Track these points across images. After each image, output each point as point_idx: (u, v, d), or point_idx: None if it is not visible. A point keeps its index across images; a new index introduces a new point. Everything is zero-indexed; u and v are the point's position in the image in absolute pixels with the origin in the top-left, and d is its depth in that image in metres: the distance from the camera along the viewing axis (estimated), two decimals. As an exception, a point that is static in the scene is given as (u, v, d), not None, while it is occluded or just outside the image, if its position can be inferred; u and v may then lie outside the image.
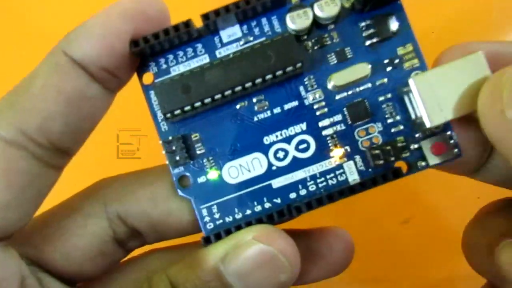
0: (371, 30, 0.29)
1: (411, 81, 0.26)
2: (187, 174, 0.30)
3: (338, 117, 0.29)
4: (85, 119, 0.25)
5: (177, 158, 0.29)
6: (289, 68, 0.28)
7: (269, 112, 0.30)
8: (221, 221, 0.29)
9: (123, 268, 0.30)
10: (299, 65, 0.28)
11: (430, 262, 0.44)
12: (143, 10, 0.26)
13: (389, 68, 0.29)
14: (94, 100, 0.26)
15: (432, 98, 0.25)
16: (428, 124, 0.26)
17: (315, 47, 0.30)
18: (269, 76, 0.28)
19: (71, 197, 0.29)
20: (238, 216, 0.29)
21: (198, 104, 0.28)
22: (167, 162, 0.29)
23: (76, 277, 0.27)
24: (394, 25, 0.29)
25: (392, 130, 0.29)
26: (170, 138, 0.29)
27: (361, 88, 0.29)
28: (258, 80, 0.28)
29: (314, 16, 0.28)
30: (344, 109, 0.29)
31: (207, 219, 0.30)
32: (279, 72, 0.28)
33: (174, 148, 0.29)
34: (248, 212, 0.29)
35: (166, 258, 0.30)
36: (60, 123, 0.24)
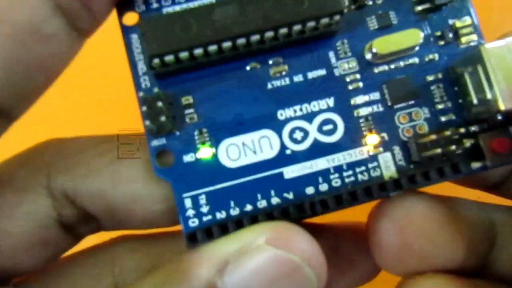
0: (422, -5, 0.23)
1: (483, 49, 0.20)
2: (170, 148, 0.22)
3: (375, 95, 0.23)
4: (37, 67, 0.19)
5: (159, 124, 0.21)
6: (324, 21, 0.21)
7: (287, 80, 0.23)
8: (209, 217, 0.21)
9: (78, 260, 0.24)
10: (337, 18, 0.21)
11: None
12: None
13: (441, 42, 0.23)
14: (54, 41, 0.19)
15: (508, 74, 0.20)
16: (502, 107, 0.20)
17: (352, 7, 0.23)
18: (297, 27, 0.21)
19: (3, 162, 0.23)
20: (234, 212, 0.21)
21: (199, 51, 0.21)
22: (147, 123, 0.21)
23: (6, 272, 0.21)
24: (449, -9, 0.23)
25: (442, 119, 0.23)
26: (155, 92, 0.21)
27: (406, 62, 0.23)
28: (283, 31, 0.21)
29: (357, -35, 0.22)
30: (384, 86, 0.23)
31: (190, 212, 0.21)
32: (310, 24, 0.21)
33: (156, 110, 0.21)
34: (249, 208, 0.22)
35: (139, 251, 0.24)
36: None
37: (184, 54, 0.20)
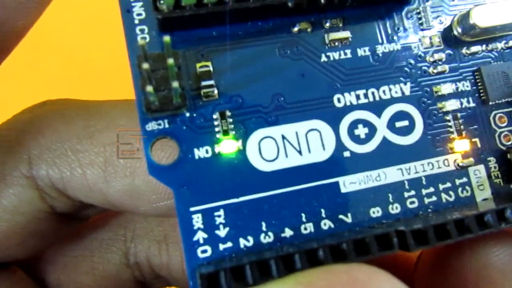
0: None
1: None
2: (175, 136, 0.14)
3: (466, 86, 0.17)
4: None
5: (165, 93, 0.13)
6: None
7: (349, 52, 0.16)
8: (229, 244, 0.14)
9: (90, 223, 0.22)
10: (432, -32, 0.15)
11: None
12: None
13: (552, 22, 0.17)
14: None
15: None
16: None
17: (437, -38, 0.17)
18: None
19: None
20: (267, 239, 0.14)
21: (233, -10, 0.13)
22: (149, 88, 0.13)
23: (3, 261, 0.19)
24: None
25: (553, 124, 0.17)
26: (159, 51, 0.14)
27: (508, 45, 0.17)
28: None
29: None
30: (477, 74, 0.17)
31: (200, 236, 0.14)
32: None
33: (164, 71, 0.13)
34: (288, 233, 0.14)
35: (152, 218, 0.22)
36: None
37: (206, -7, 0.13)
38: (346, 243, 0.12)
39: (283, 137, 0.15)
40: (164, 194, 0.17)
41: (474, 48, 0.17)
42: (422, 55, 0.17)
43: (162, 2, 0.13)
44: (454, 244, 0.15)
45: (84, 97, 0.20)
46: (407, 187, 0.16)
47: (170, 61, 0.13)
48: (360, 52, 0.16)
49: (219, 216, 0.14)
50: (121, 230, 0.22)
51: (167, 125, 0.15)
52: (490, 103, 0.17)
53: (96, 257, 0.21)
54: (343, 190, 0.15)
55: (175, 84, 0.13)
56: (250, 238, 0.14)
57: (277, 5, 0.15)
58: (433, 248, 0.15)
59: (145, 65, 0.12)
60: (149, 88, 0.13)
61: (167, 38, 0.13)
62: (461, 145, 0.16)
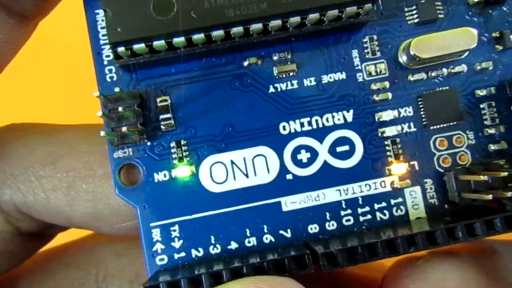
0: (481, -18, 0.18)
1: None
2: (137, 163, 0.17)
3: (408, 111, 0.18)
4: None
5: (125, 129, 0.16)
6: (351, 9, 0.16)
7: (295, 83, 0.18)
8: (182, 254, 0.17)
9: (63, 259, 0.22)
10: (368, 6, 0.16)
11: None
12: None
13: (498, 47, 0.18)
14: None
15: None
16: None
17: (387, -8, 0.18)
18: (313, 16, 0.16)
19: None
20: (215, 250, 0.17)
21: (179, 40, 0.15)
22: (102, 133, 0.15)
23: None
24: (516, -20, 0.18)
25: (491, 147, 0.18)
26: (118, 90, 0.16)
27: (452, 70, 0.18)
28: (294, 19, 0.16)
29: None
30: (419, 99, 0.18)
31: (158, 247, 0.17)
32: (331, 12, 0.16)
33: (122, 110, 0.16)
34: (234, 245, 0.17)
35: (125, 256, 0.22)
36: None
37: (159, 43, 0.15)
38: (267, 263, 0.15)
39: (232, 162, 0.17)
40: (125, 216, 0.19)
41: (419, 75, 0.18)
42: (367, 83, 0.18)
43: (120, 52, 0.16)
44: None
45: (49, 120, 0.21)
46: (344, 206, 0.17)
47: (120, 108, 0.15)
48: (306, 82, 0.18)
49: (174, 230, 0.17)
50: (93, 269, 0.22)
51: (131, 153, 0.17)
52: (431, 127, 0.18)
53: None
54: (284, 208, 0.17)
55: (124, 129, 0.15)
56: (200, 249, 0.17)
57: (223, 48, 0.16)
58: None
59: (101, 113, 0.15)
60: (103, 133, 0.15)
61: (117, 89, 0.15)
62: (398, 168, 0.17)
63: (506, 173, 0.16)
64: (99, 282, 0.22)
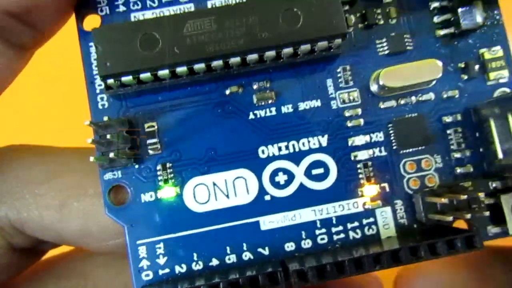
0: (447, 16, 0.19)
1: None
2: (126, 184, 0.18)
3: (379, 136, 0.19)
4: None
5: (113, 155, 0.17)
6: (322, 44, 0.17)
7: (274, 110, 0.19)
8: (167, 270, 0.18)
9: (53, 271, 0.23)
10: (338, 41, 0.17)
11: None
12: None
13: (464, 76, 0.19)
14: None
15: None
16: (536, 170, 0.15)
17: (360, 25, 0.19)
18: (287, 50, 0.17)
19: None
20: (197, 266, 0.18)
21: (164, 72, 0.17)
22: (92, 159, 0.17)
23: None
24: (480, 15, 0.19)
25: (458, 171, 0.19)
26: (107, 119, 0.17)
27: (420, 98, 0.19)
28: (269, 53, 0.17)
29: (370, -25, 0.18)
30: (390, 125, 0.19)
31: (144, 263, 0.18)
32: (304, 47, 0.17)
33: (110, 137, 0.17)
34: (215, 262, 0.18)
35: (112, 268, 0.22)
36: None
37: (145, 75, 0.17)
38: (242, 279, 0.16)
39: (214, 184, 0.19)
40: (113, 234, 0.20)
41: (389, 103, 0.19)
42: (340, 110, 0.19)
43: (109, 83, 0.17)
44: None
45: (46, 142, 0.22)
46: (318, 225, 0.18)
47: (109, 136, 0.16)
48: (284, 109, 0.19)
49: (159, 247, 0.18)
50: (82, 280, 0.22)
51: (120, 175, 0.18)
52: (401, 152, 0.19)
53: None
54: (263, 228, 0.18)
55: (111, 154, 0.16)
56: (183, 265, 0.18)
57: (212, 76, 0.18)
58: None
59: (90, 140, 0.16)
60: (92, 159, 0.16)
61: (106, 118, 0.16)
62: (370, 190, 0.19)
63: (465, 196, 0.17)
64: None
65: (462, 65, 0.19)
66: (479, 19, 0.19)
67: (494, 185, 0.19)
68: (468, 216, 0.17)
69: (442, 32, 0.19)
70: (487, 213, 0.17)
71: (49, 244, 0.23)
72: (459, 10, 0.19)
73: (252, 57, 0.17)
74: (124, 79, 0.17)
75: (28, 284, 0.23)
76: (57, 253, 0.25)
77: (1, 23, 0.17)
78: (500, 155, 0.18)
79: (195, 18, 0.17)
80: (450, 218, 0.16)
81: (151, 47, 0.16)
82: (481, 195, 0.17)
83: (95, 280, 0.23)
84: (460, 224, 0.19)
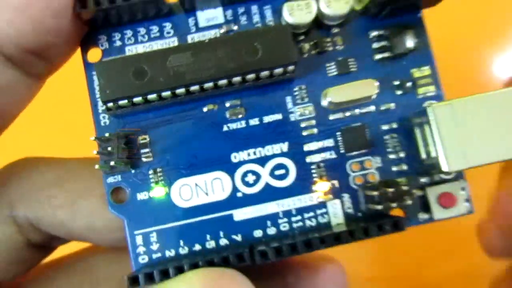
0: (383, 43, 0.23)
1: (429, 110, 0.20)
2: (124, 186, 0.23)
3: (329, 142, 0.23)
4: None
5: (113, 163, 0.21)
6: (278, 70, 0.21)
7: (243, 123, 0.23)
8: (159, 254, 0.22)
9: (60, 268, 0.26)
10: (291, 68, 0.22)
11: (428, 261, 0.43)
12: None
13: (398, 92, 0.24)
14: (9, 90, 0.21)
15: (453, 136, 0.20)
16: (445, 168, 0.20)
17: (313, 52, 0.24)
18: (250, 76, 0.21)
19: None
20: (184, 251, 0.22)
21: (152, 96, 0.21)
22: (97, 167, 0.21)
23: None
24: (411, 40, 0.23)
25: (393, 169, 0.23)
26: (108, 135, 0.22)
27: (362, 110, 0.23)
28: (236, 79, 0.21)
29: (318, 12, 0.23)
30: (338, 133, 0.23)
31: (141, 249, 0.22)
32: (264, 73, 0.21)
33: (111, 149, 0.21)
34: (198, 247, 0.22)
35: (114, 262, 0.26)
36: None
37: (137, 99, 0.21)
38: (216, 258, 0.20)
39: (196, 184, 0.23)
40: (114, 229, 0.23)
41: (337, 115, 0.23)
42: (298, 122, 0.23)
43: (109, 106, 0.21)
44: None
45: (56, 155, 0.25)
46: (281, 216, 0.23)
47: (110, 148, 0.21)
48: (251, 122, 0.23)
49: (152, 236, 0.22)
50: (88, 275, 0.26)
51: (120, 179, 0.23)
52: (347, 154, 0.23)
53: None
54: (236, 219, 0.23)
55: (112, 163, 0.21)
56: (172, 250, 0.22)
57: (187, 99, 0.22)
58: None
59: (96, 151, 0.21)
60: (97, 166, 0.21)
61: (107, 134, 0.21)
62: (322, 186, 0.23)
63: (393, 189, 0.21)
64: (93, 285, 0.26)
65: (397, 82, 0.23)
66: (410, 44, 0.23)
67: (423, 180, 0.23)
68: (394, 205, 0.21)
69: (380, 56, 0.23)
70: (409, 202, 0.21)
71: (60, 240, 0.26)
72: (393, 38, 0.23)
73: (223, 82, 0.21)
74: (121, 102, 0.21)
75: (40, 279, 0.26)
76: (65, 251, 0.28)
77: (22, 58, 0.20)
78: (423, 156, 0.22)
79: (176, 53, 0.21)
80: (380, 207, 0.21)
81: (142, 77, 0.21)
82: (405, 188, 0.21)
83: (99, 274, 0.26)
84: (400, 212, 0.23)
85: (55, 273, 0.26)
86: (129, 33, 0.23)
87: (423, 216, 0.23)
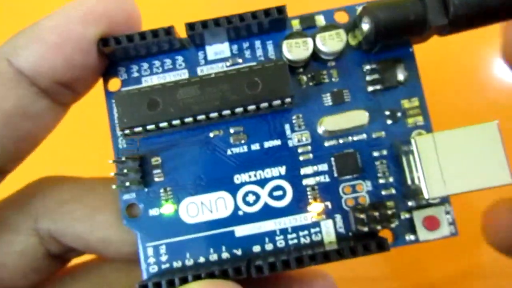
0: (376, 76, 0.25)
1: (413, 141, 0.22)
2: (138, 202, 0.25)
3: (324, 167, 0.25)
4: (25, 140, 0.23)
5: (128, 184, 0.24)
6: (276, 102, 0.24)
7: (245, 147, 0.25)
8: (167, 265, 0.25)
9: (76, 276, 0.28)
10: (288, 100, 0.24)
11: (429, 261, 0.44)
12: (110, 13, 0.23)
13: (389, 121, 0.25)
14: (40, 118, 0.23)
15: (435, 166, 0.22)
16: (426, 195, 0.22)
17: (310, 83, 0.26)
18: (251, 107, 0.24)
19: None
20: (189, 262, 0.25)
21: (164, 124, 0.24)
22: (114, 187, 0.24)
23: None
24: (401, 74, 0.25)
25: (383, 193, 0.25)
26: (124, 158, 0.24)
27: (355, 138, 0.25)
28: (239, 110, 0.24)
29: (315, 48, 0.25)
30: (332, 158, 0.25)
31: (151, 260, 0.25)
32: (263, 104, 0.24)
33: (127, 170, 0.24)
34: (201, 260, 0.25)
35: (123, 271, 0.28)
36: None
37: (151, 127, 0.24)
38: (218, 270, 0.22)
39: (202, 202, 0.25)
40: (127, 242, 0.25)
41: (331, 142, 0.25)
42: (295, 147, 0.26)
43: (126, 132, 0.24)
44: None
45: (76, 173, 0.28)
46: (278, 233, 0.25)
47: (125, 170, 0.24)
48: (253, 147, 0.26)
49: (162, 248, 0.25)
50: (98, 281, 0.28)
51: (134, 196, 0.25)
52: (340, 178, 0.25)
53: None
54: (237, 235, 0.25)
55: (127, 183, 0.23)
56: (179, 261, 0.25)
57: (195, 126, 0.25)
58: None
59: (113, 173, 0.24)
60: (114, 186, 0.24)
61: (123, 158, 0.24)
62: (316, 207, 0.25)
63: (377, 213, 0.23)
64: None
65: (388, 112, 0.25)
66: (400, 77, 0.25)
67: (410, 203, 0.25)
68: (379, 227, 0.23)
69: (372, 88, 0.25)
70: (395, 224, 0.23)
71: (76, 252, 0.28)
72: (385, 72, 0.25)
73: (226, 112, 0.24)
74: (136, 129, 0.24)
75: (49, 286, 0.28)
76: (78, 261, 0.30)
77: (53, 89, 0.23)
78: (409, 182, 0.24)
79: (184, 87, 0.23)
80: (366, 229, 0.23)
81: (155, 108, 0.23)
82: (391, 211, 0.23)
83: (111, 281, 0.28)
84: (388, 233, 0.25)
85: (68, 279, 0.28)
86: (145, 65, 0.26)
87: (409, 237, 0.24)
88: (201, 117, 0.24)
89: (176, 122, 0.24)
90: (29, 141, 0.23)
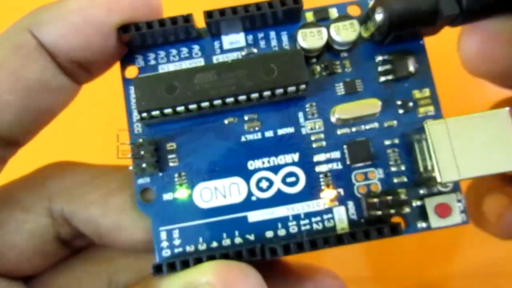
0: (387, 66, 0.26)
1: (426, 126, 0.22)
2: (152, 187, 0.26)
3: (336, 154, 0.26)
4: (43, 112, 0.23)
5: (144, 165, 0.24)
6: (291, 88, 0.24)
7: (259, 134, 0.26)
8: (180, 249, 0.25)
9: (80, 257, 0.28)
10: (302, 86, 0.24)
11: (428, 261, 0.44)
12: (135, 4, 0.23)
13: (401, 111, 0.26)
14: (57, 93, 0.24)
15: (447, 150, 0.22)
16: (439, 179, 0.22)
17: (324, 73, 0.26)
18: (266, 93, 0.24)
19: (12, 182, 0.26)
20: (202, 247, 0.25)
21: (181, 108, 0.24)
22: (131, 167, 0.24)
23: (13, 275, 0.24)
24: (412, 65, 0.26)
25: (395, 180, 0.25)
26: (141, 140, 0.25)
27: (367, 126, 0.26)
28: (254, 95, 0.24)
29: (329, 38, 0.25)
30: (344, 146, 0.26)
31: (164, 244, 0.25)
32: (279, 91, 0.24)
33: (143, 153, 0.24)
34: (215, 244, 0.25)
35: (131, 255, 0.28)
36: (13, 114, 0.21)
37: (168, 110, 0.24)
38: (232, 252, 0.23)
39: (215, 188, 0.26)
40: (139, 228, 0.25)
41: (344, 130, 0.26)
42: (308, 135, 0.26)
43: (143, 116, 0.25)
44: None
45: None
46: (290, 219, 0.25)
47: (142, 152, 0.24)
48: (267, 134, 0.26)
49: (175, 233, 0.25)
50: (106, 265, 0.27)
51: (149, 180, 0.26)
52: (352, 166, 0.26)
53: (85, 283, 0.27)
54: (250, 220, 0.25)
55: (143, 165, 0.24)
56: (192, 246, 0.25)
57: (210, 112, 0.25)
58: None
59: (130, 154, 0.24)
60: (131, 167, 0.24)
61: (140, 140, 0.24)
62: (329, 193, 0.25)
63: (390, 197, 0.23)
64: (110, 274, 0.27)
65: (399, 102, 0.26)
66: (411, 68, 0.26)
67: (421, 191, 0.25)
68: (393, 211, 0.23)
69: (384, 78, 0.26)
70: (407, 210, 0.23)
71: (84, 240, 0.27)
72: (397, 63, 0.26)
73: (242, 98, 0.24)
74: (154, 113, 0.24)
75: (55, 269, 0.27)
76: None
77: (71, 67, 0.24)
78: (421, 169, 0.24)
79: (201, 72, 0.24)
80: (380, 213, 0.23)
81: (172, 92, 0.24)
82: (404, 197, 0.23)
83: (117, 265, 0.28)
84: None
85: (75, 260, 0.28)
86: (162, 53, 0.27)
87: (421, 224, 0.25)
88: (217, 102, 0.24)
89: (192, 106, 0.24)
90: (46, 115, 0.23)
